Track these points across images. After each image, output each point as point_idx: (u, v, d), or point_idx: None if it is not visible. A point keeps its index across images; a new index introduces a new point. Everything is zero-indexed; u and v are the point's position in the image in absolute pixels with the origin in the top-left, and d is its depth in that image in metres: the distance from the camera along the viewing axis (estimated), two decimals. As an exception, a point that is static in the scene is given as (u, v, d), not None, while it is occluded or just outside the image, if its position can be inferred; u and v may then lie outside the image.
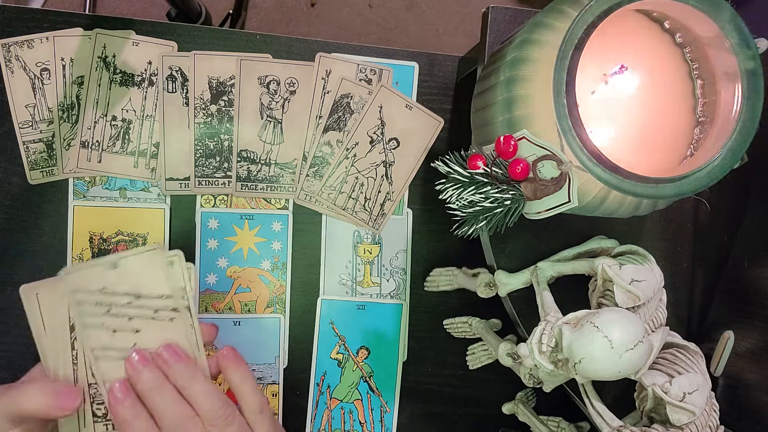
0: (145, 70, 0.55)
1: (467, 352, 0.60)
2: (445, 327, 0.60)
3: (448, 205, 0.42)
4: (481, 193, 0.40)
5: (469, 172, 0.41)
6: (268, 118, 0.56)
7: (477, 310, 0.59)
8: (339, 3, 1.34)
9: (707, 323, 0.52)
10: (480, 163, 0.41)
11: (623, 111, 0.40)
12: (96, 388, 0.46)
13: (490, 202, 0.40)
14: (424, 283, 0.59)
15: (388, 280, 0.59)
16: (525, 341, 0.43)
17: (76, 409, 0.44)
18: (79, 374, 0.46)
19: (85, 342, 0.43)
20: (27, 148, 0.54)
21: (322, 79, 0.57)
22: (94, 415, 0.46)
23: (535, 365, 0.42)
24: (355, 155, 0.57)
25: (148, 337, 0.44)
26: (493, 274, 0.51)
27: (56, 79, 0.54)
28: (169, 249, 0.49)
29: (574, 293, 0.49)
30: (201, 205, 0.56)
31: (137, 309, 0.44)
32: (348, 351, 0.59)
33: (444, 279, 0.58)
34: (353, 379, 0.59)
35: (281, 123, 0.56)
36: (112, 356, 0.44)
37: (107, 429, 0.46)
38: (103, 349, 0.44)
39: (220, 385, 0.48)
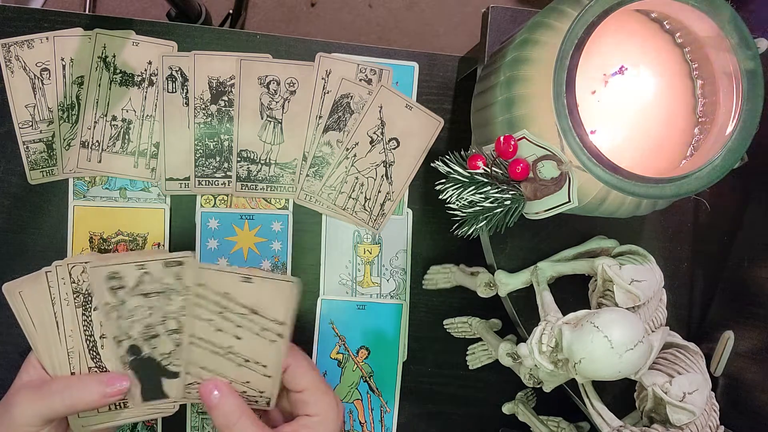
0: (145, 70, 0.55)
1: (467, 352, 0.60)
2: (445, 327, 0.60)
3: (448, 205, 0.42)
4: (481, 193, 0.40)
5: (469, 172, 0.41)
6: (268, 118, 0.56)
7: (477, 310, 0.59)
8: (339, 3, 1.34)
9: (707, 323, 0.52)
10: (480, 163, 0.41)
11: (623, 111, 0.40)
12: (96, 371, 0.47)
13: (490, 202, 0.40)
14: (423, 282, 0.59)
15: (388, 280, 0.59)
16: (525, 341, 0.43)
17: (127, 392, 0.45)
18: (73, 363, 0.47)
19: (187, 327, 0.46)
20: (27, 148, 0.54)
21: (322, 79, 0.57)
22: None
23: (535, 365, 0.42)
24: (355, 155, 0.57)
25: (244, 347, 0.46)
26: (493, 274, 0.51)
27: (56, 79, 0.54)
28: (170, 250, 0.50)
29: (574, 293, 0.49)
30: (201, 205, 0.56)
31: (248, 321, 0.46)
32: (348, 351, 0.59)
33: (442, 276, 0.58)
34: (353, 379, 0.59)
35: (281, 123, 0.56)
36: (206, 348, 0.46)
37: (110, 409, 0.47)
38: (200, 339, 0.46)
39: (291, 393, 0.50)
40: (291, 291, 0.46)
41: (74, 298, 0.47)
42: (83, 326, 0.47)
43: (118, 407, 0.48)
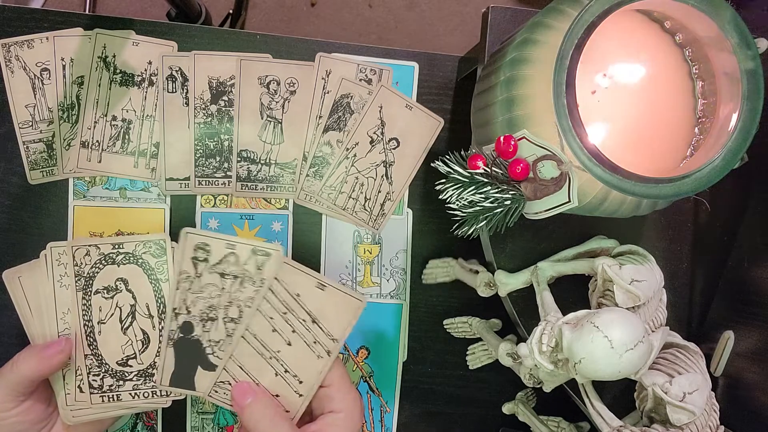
0: (145, 70, 0.55)
1: (467, 352, 0.60)
2: (445, 327, 0.60)
3: (448, 205, 0.42)
4: (481, 193, 0.40)
5: (469, 172, 0.41)
6: (268, 118, 0.56)
7: (477, 310, 0.59)
8: (339, 3, 1.34)
9: (707, 323, 0.52)
10: (480, 163, 0.41)
11: (623, 111, 0.40)
12: (92, 359, 0.47)
13: (490, 202, 0.40)
14: (422, 276, 0.59)
15: (388, 280, 0.59)
16: (525, 341, 0.43)
17: (64, 354, 0.46)
18: (88, 343, 0.47)
19: (246, 319, 0.46)
20: (27, 148, 0.54)
21: (322, 79, 0.57)
22: (90, 386, 0.47)
23: (535, 365, 0.42)
24: (355, 155, 0.57)
25: (290, 354, 0.46)
26: (492, 274, 0.51)
27: (56, 79, 0.54)
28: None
29: (574, 293, 0.49)
30: (201, 205, 0.56)
31: (305, 329, 0.46)
32: (348, 351, 0.58)
33: (441, 270, 0.58)
34: (353, 379, 0.59)
35: (281, 123, 0.56)
36: (254, 346, 0.46)
37: (103, 400, 0.47)
38: (253, 336, 0.46)
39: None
40: (356, 309, 0.46)
41: (75, 281, 0.47)
42: (82, 310, 0.47)
43: (110, 400, 0.47)
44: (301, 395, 0.46)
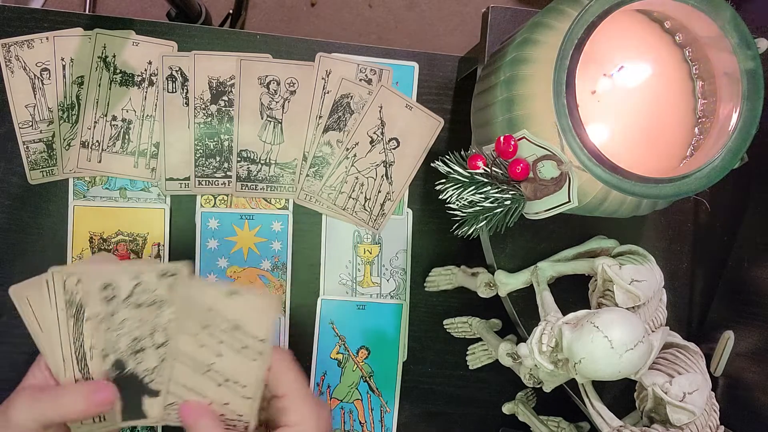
0: (145, 70, 0.55)
1: (467, 352, 0.60)
2: (445, 327, 0.60)
3: (448, 205, 0.42)
4: (481, 193, 0.40)
5: (469, 172, 0.41)
6: (268, 118, 0.56)
7: (477, 310, 0.59)
8: (339, 3, 1.34)
9: (707, 323, 0.52)
10: (480, 163, 0.41)
11: (623, 111, 0.41)
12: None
13: (490, 202, 0.40)
14: (424, 284, 0.59)
15: (388, 280, 0.59)
16: (525, 341, 0.43)
17: (113, 403, 0.45)
18: (66, 371, 0.47)
19: (171, 341, 0.45)
20: (27, 148, 0.54)
21: (322, 79, 0.57)
22: None
23: (535, 365, 0.42)
24: (355, 155, 0.57)
25: (225, 364, 0.46)
26: (493, 274, 0.51)
27: (56, 79, 0.54)
28: (170, 250, 0.50)
29: (574, 293, 0.49)
30: (201, 205, 0.56)
31: (230, 338, 0.45)
32: (348, 351, 0.58)
33: (443, 278, 0.58)
34: (353, 379, 0.59)
35: (281, 123, 0.56)
36: (188, 365, 0.46)
37: (93, 420, 0.47)
38: (183, 355, 0.46)
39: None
40: (273, 305, 0.46)
41: (66, 308, 0.47)
42: (73, 337, 0.47)
43: (100, 420, 0.47)
44: (249, 398, 0.46)
